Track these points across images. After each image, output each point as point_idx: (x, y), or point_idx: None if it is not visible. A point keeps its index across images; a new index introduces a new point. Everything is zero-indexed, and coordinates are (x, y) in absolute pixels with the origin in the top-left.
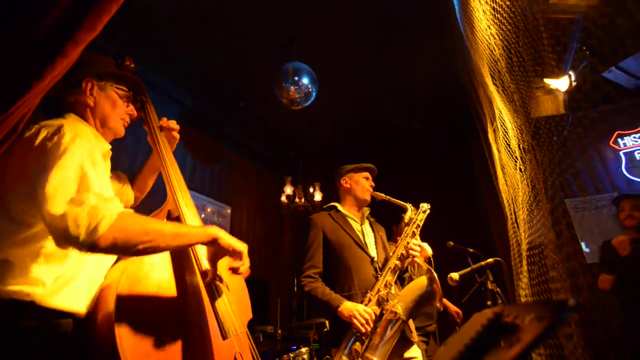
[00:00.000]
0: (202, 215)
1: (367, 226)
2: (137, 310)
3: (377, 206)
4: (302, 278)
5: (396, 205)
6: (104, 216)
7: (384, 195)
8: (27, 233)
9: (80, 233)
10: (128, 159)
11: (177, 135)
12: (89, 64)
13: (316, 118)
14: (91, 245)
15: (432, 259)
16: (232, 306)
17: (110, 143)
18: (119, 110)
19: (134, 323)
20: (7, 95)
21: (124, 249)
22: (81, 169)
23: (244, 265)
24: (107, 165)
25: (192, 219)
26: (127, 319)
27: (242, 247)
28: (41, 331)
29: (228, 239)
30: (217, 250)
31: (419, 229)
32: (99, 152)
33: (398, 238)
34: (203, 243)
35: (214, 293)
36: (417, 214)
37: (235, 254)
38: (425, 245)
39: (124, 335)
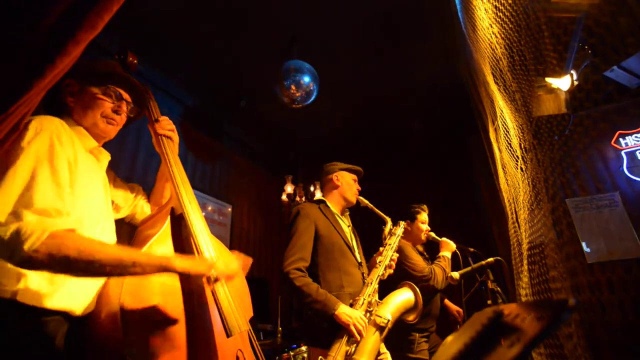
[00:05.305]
0: (203, 214)
1: (350, 229)
2: (142, 309)
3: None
4: (291, 270)
5: (377, 215)
6: (30, 235)
7: (368, 202)
8: None
9: (2, 250)
10: (129, 158)
11: (176, 137)
12: (80, 67)
13: (317, 117)
14: (20, 262)
15: (458, 251)
16: (236, 303)
17: (111, 143)
18: (99, 109)
19: (140, 323)
20: (8, 94)
21: (56, 269)
22: (31, 174)
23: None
24: (94, 162)
25: (195, 216)
26: (132, 317)
27: (201, 268)
28: (26, 332)
29: (184, 266)
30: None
31: (397, 244)
32: (72, 149)
33: (381, 248)
34: (155, 272)
35: (218, 290)
36: (395, 229)
37: (194, 278)
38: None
39: (129, 334)
